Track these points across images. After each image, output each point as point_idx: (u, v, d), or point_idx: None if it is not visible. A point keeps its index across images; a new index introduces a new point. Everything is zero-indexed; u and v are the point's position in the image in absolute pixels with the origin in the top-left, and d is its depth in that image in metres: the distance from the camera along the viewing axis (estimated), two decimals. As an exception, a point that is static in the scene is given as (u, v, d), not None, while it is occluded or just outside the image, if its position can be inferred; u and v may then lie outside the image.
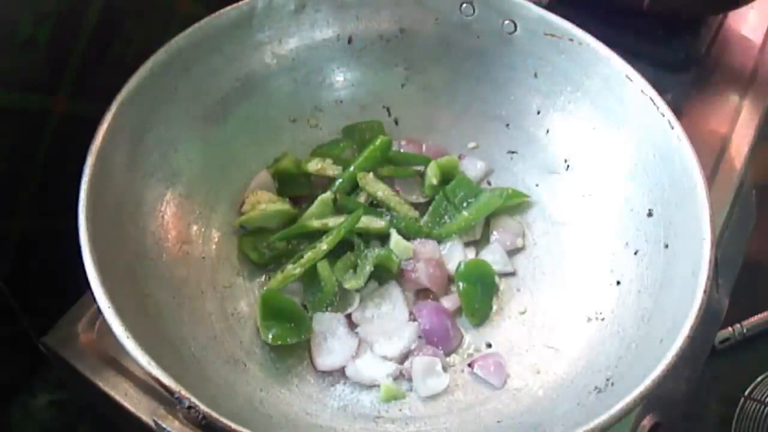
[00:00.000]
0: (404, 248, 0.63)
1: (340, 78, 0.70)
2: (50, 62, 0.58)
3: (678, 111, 0.60)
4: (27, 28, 0.55)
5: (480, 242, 0.67)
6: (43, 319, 0.62)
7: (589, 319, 0.60)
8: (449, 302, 0.63)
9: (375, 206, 0.66)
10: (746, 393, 1.09)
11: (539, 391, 0.57)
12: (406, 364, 0.59)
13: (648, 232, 0.60)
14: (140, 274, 0.55)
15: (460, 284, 0.62)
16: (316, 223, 0.63)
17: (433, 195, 0.67)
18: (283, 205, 0.64)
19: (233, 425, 0.44)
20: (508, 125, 0.69)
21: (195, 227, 0.62)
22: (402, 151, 0.70)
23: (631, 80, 0.61)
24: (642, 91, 0.60)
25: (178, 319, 0.56)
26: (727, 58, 0.87)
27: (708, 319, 0.51)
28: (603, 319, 0.59)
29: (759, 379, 1.10)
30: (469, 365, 0.60)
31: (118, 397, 0.59)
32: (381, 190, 0.66)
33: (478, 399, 0.58)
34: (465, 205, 0.66)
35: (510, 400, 0.57)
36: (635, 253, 0.60)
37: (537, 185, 0.68)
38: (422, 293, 0.63)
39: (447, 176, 0.68)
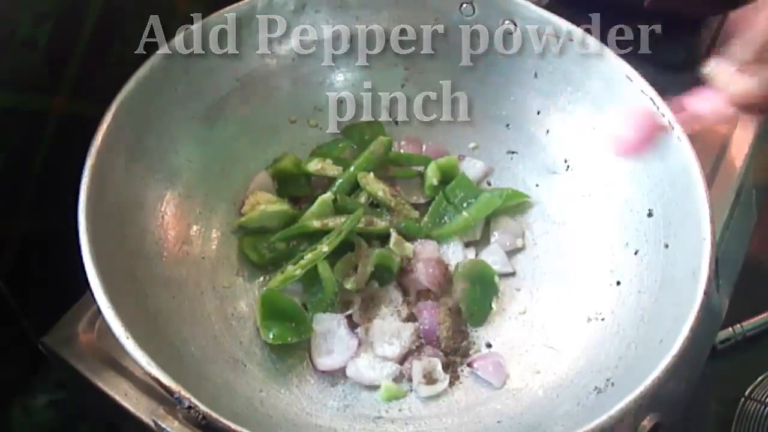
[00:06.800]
0: (404, 248, 0.63)
1: (340, 78, 0.70)
2: (50, 62, 0.58)
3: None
4: (27, 28, 0.54)
5: (480, 243, 0.67)
6: (43, 319, 0.62)
7: (589, 319, 0.60)
8: (449, 303, 0.63)
9: (375, 206, 0.66)
10: (746, 393, 1.09)
11: (539, 391, 0.57)
12: (406, 364, 0.59)
13: (648, 232, 0.60)
14: (140, 274, 0.55)
15: (459, 285, 0.62)
16: (316, 224, 0.63)
17: (433, 195, 0.68)
18: (282, 206, 0.64)
19: (233, 425, 0.44)
20: (508, 125, 0.69)
21: (195, 227, 0.62)
22: (402, 151, 0.70)
23: (631, 80, 0.61)
24: (642, 91, 0.60)
25: (178, 319, 0.56)
26: (728, 58, 0.86)
27: (708, 319, 0.51)
28: (603, 319, 0.59)
29: (759, 379, 1.10)
30: (469, 365, 0.60)
31: (118, 397, 0.59)
32: (381, 190, 0.66)
33: (478, 399, 0.58)
34: (465, 205, 0.66)
35: (510, 400, 0.57)
36: (635, 253, 0.60)
37: (537, 185, 0.68)
38: (422, 293, 0.63)
39: (447, 176, 0.68)
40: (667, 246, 0.58)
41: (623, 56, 0.62)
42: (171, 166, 0.61)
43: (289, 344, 0.58)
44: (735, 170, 0.77)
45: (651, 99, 0.60)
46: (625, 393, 0.47)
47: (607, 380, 0.53)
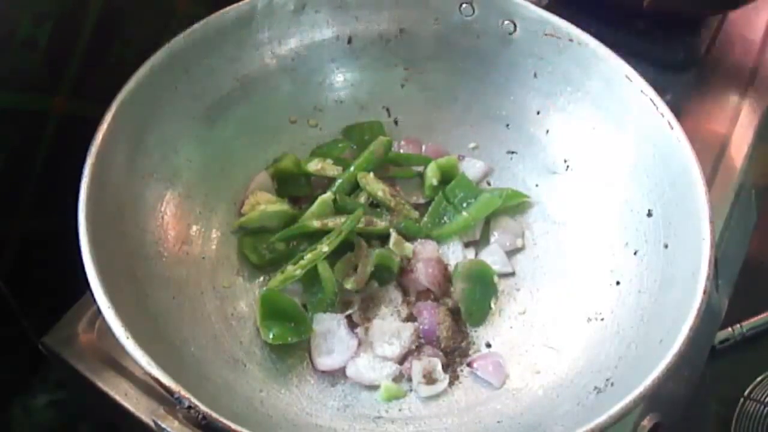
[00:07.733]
0: (404, 248, 0.63)
1: (340, 78, 0.70)
2: (50, 62, 0.58)
3: (678, 111, 0.60)
4: (27, 28, 0.55)
5: (480, 243, 0.67)
6: (43, 319, 0.62)
7: (589, 319, 0.60)
8: (449, 303, 0.63)
9: (375, 206, 0.66)
10: (746, 393, 1.09)
11: (539, 391, 0.57)
12: (406, 364, 0.59)
13: (648, 232, 0.60)
14: (140, 274, 0.55)
15: (458, 285, 0.62)
16: (316, 224, 0.63)
17: (433, 195, 0.68)
18: (282, 206, 0.64)
19: (233, 425, 0.44)
20: (508, 125, 0.69)
21: (195, 227, 0.62)
22: (402, 151, 0.70)
23: (631, 80, 0.61)
24: (642, 91, 0.60)
25: (178, 319, 0.56)
26: (727, 58, 0.87)
27: (708, 319, 0.51)
28: (603, 319, 0.59)
29: (759, 379, 1.10)
30: (468, 365, 0.60)
31: (118, 397, 0.59)
32: (381, 190, 0.66)
33: (478, 399, 0.58)
34: (465, 205, 0.66)
35: (510, 400, 0.57)
36: (635, 253, 0.60)
37: (537, 185, 0.68)
38: (422, 293, 0.63)
39: (447, 177, 0.68)
40: (666, 246, 0.58)
41: (623, 56, 0.62)
42: (171, 166, 0.61)
43: (289, 344, 0.58)
44: (735, 170, 0.77)
45: (650, 99, 0.60)
46: (625, 393, 0.47)
47: (607, 380, 0.53)
